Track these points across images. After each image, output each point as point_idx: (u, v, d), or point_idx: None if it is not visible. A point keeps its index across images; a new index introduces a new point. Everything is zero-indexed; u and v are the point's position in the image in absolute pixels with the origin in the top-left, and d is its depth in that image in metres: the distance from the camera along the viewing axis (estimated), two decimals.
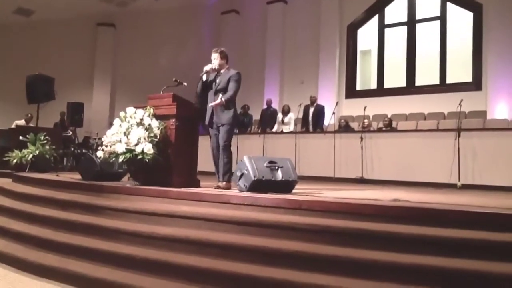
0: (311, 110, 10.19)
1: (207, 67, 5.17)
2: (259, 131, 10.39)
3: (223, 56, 5.19)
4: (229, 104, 5.05)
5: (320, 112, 10.14)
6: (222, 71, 5.18)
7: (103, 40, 16.05)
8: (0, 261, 3.97)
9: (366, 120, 9.53)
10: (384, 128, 9.11)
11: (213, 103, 5.01)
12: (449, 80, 11.20)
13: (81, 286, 3.32)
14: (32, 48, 15.69)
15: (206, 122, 5.23)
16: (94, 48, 16.00)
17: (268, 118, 10.84)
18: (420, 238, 2.95)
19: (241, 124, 10.36)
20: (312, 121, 10.07)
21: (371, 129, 9.42)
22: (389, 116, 10.22)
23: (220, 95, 4.99)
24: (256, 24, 14.30)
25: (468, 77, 10.92)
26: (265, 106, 11.35)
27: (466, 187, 7.01)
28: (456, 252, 2.81)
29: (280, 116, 10.72)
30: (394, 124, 9.74)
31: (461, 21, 11.34)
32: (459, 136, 7.28)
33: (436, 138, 7.77)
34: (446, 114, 10.45)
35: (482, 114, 10.04)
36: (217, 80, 5.16)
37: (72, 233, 4.06)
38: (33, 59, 14.90)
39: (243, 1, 14.81)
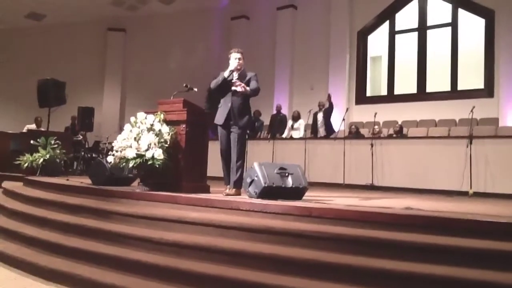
0: (320, 115, 10.14)
1: (231, 67, 5.04)
2: (269, 136, 10.37)
3: (244, 56, 5.15)
4: (247, 107, 5.05)
5: (329, 110, 10.03)
6: (241, 71, 5.11)
7: (114, 45, 16.17)
8: (11, 265, 3.98)
9: (376, 127, 9.48)
10: (394, 135, 9.05)
11: (238, 85, 4.85)
12: (461, 86, 11.11)
13: None
14: (43, 52, 15.85)
15: (220, 121, 5.06)
16: (104, 52, 16.12)
17: (278, 124, 10.82)
18: (433, 247, 2.90)
19: (251, 128, 10.34)
20: (325, 124, 10.00)
21: (382, 135, 9.36)
22: (399, 122, 10.16)
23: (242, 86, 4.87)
24: (266, 29, 14.31)
25: (480, 84, 10.82)
26: (274, 112, 11.33)
27: (478, 195, 6.93)
28: (470, 262, 2.77)
29: (290, 122, 10.70)
30: (404, 130, 9.68)
31: (472, 27, 11.26)
32: (471, 143, 7.21)
33: (448, 145, 7.70)
34: (457, 121, 10.36)
35: (494, 121, 9.94)
36: (236, 79, 5.01)
37: (82, 237, 4.06)
38: (45, 63, 15.05)
39: (253, 7, 14.83)
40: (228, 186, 5.07)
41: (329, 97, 10.04)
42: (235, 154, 4.97)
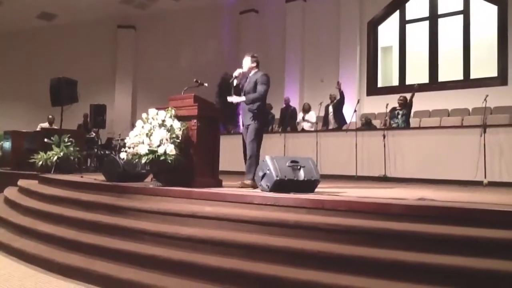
0: (331, 107, 10.10)
1: (236, 73, 5.34)
2: (280, 130, 10.35)
3: (254, 60, 5.39)
4: (254, 105, 5.20)
5: (340, 101, 9.96)
6: (250, 74, 5.35)
7: (124, 42, 16.27)
8: (28, 261, 4.04)
9: (388, 118, 9.40)
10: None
11: (231, 98, 5.30)
12: (473, 75, 10.98)
13: (106, 286, 3.35)
14: (55, 51, 16.02)
15: (241, 122, 5.52)
16: (115, 50, 16.23)
17: (288, 117, 10.80)
18: (447, 238, 2.89)
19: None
20: (334, 114, 9.94)
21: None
22: (412, 112, 10.07)
23: (243, 96, 5.25)
24: (275, 22, 14.26)
25: (493, 72, 10.69)
26: (283, 105, 11.31)
27: (493, 184, 6.85)
28: (485, 252, 2.74)
29: (301, 114, 10.67)
30: (417, 121, 9.59)
31: (485, 14, 11.10)
32: (484, 132, 7.12)
33: (461, 134, 7.61)
34: (470, 110, 10.25)
35: (508, 109, 9.81)
36: (246, 82, 5.34)
37: (97, 234, 4.11)
38: (56, 62, 15.20)
39: (262, 0, 14.77)
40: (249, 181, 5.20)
41: (338, 84, 9.87)
42: (248, 147, 5.24)
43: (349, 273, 2.85)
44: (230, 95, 5.43)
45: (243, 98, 5.26)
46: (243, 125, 5.44)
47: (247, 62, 5.38)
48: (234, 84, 5.39)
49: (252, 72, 5.36)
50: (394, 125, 8.66)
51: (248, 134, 5.25)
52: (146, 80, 15.97)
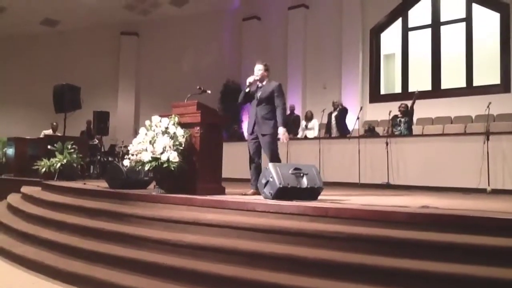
0: (334, 114, 10.11)
1: (250, 79, 5.34)
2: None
3: (266, 68, 5.42)
4: (273, 115, 5.27)
5: (343, 113, 10.00)
6: (264, 82, 5.39)
7: (127, 49, 16.34)
8: (30, 268, 4.04)
9: (390, 126, 9.39)
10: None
11: (283, 138, 5.23)
12: (476, 82, 10.98)
13: None
14: (58, 58, 16.09)
15: (248, 130, 5.41)
16: (118, 56, 16.30)
17: (291, 124, 10.80)
18: (451, 246, 2.87)
19: None
20: (336, 124, 9.96)
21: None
22: (414, 120, 10.07)
23: (282, 129, 5.22)
24: (277, 29, 14.30)
25: (496, 79, 10.68)
26: (288, 112, 11.32)
27: (496, 192, 6.82)
28: (488, 261, 2.73)
29: (303, 122, 10.67)
30: (420, 128, 9.58)
31: (487, 22, 11.11)
32: (488, 139, 7.10)
33: (464, 142, 7.60)
34: (473, 118, 10.23)
35: (511, 117, 9.80)
36: (260, 91, 5.35)
37: (100, 241, 4.11)
38: (59, 68, 15.27)
39: (264, 7, 14.83)
40: (252, 190, 5.22)
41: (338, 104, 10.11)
42: (269, 160, 5.12)
43: (352, 281, 2.83)
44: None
45: (286, 136, 5.26)
46: (251, 134, 5.37)
47: (259, 69, 5.36)
48: (247, 90, 5.39)
49: (265, 80, 5.39)
50: (396, 133, 8.65)
51: (266, 144, 5.22)
52: (149, 87, 16.02)
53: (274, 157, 5.18)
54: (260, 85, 5.37)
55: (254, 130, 5.32)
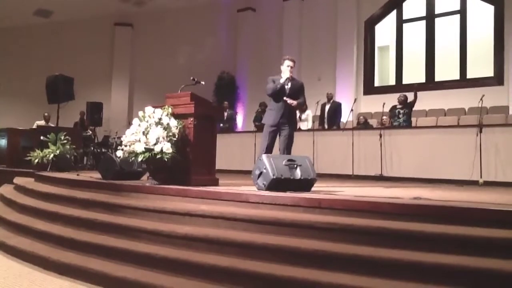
0: (327, 107, 10.12)
1: (287, 75, 5.61)
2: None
3: (295, 65, 5.76)
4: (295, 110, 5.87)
5: (336, 108, 10.04)
6: (291, 78, 5.70)
7: (121, 40, 16.24)
8: (24, 259, 4.03)
9: (384, 117, 9.42)
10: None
11: (291, 101, 5.60)
12: (470, 75, 11.02)
13: (102, 284, 3.34)
14: (51, 48, 15.96)
15: (273, 122, 5.68)
16: (112, 47, 16.20)
17: None
18: (443, 237, 2.90)
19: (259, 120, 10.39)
20: (328, 118, 9.99)
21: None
22: None
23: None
24: (272, 21, 14.26)
25: (489, 72, 10.73)
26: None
27: (488, 184, 6.88)
28: (480, 252, 2.75)
29: (297, 113, 10.66)
30: (413, 120, 9.60)
31: (481, 14, 11.14)
32: (480, 132, 7.15)
33: (457, 134, 7.65)
34: (467, 110, 10.28)
35: (504, 109, 9.87)
36: (289, 86, 5.65)
37: (93, 232, 4.10)
38: (53, 59, 15.16)
39: None
40: None
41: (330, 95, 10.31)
42: (286, 148, 5.66)
43: (345, 271, 2.85)
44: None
45: (295, 102, 5.64)
46: (276, 126, 5.66)
47: (292, 66, 5.63)
48: (282, 82, 5.62)
49: (291, 76, 5.67)
50: (395, 124, 8.67)
51: (290, 134, 5.66)
52: (143, 78, 15.95)
53: (291, 147, 5.66)
54: (287, 81, 5.64)
55: (280, 121, 5.63)
